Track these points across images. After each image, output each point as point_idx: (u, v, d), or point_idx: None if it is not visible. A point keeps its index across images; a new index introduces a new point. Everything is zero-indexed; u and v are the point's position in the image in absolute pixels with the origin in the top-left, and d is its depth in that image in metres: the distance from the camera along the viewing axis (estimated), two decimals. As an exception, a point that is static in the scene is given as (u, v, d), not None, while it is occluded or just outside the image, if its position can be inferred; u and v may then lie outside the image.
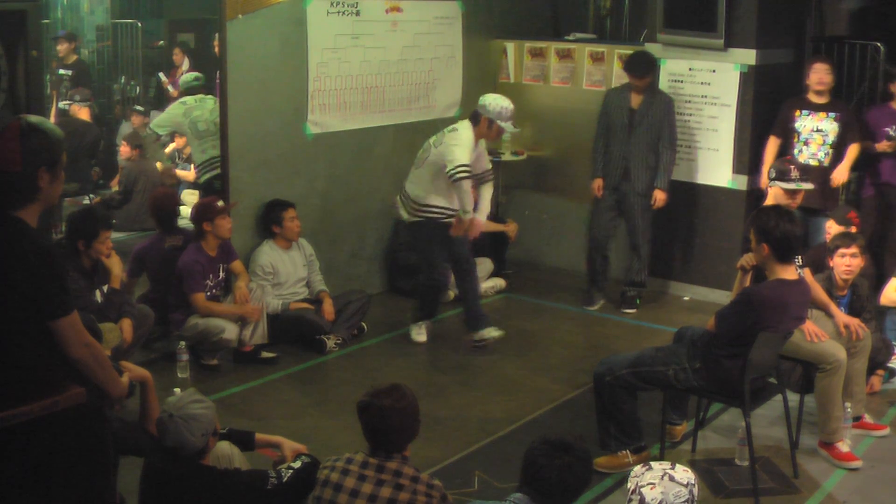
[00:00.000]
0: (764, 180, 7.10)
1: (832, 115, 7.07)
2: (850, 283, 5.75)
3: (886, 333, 6.28)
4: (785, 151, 7.11)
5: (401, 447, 3.58)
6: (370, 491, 3.46)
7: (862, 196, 7.46)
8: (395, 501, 3.44)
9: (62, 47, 9.94)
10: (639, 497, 3.05)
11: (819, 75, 7.04)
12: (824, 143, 7.09)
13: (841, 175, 7.06)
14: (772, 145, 7.21)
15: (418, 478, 3.52)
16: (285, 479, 3.68)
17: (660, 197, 7.37)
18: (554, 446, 3.31)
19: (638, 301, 7.66)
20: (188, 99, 8.06)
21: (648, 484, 3.07)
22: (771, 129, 7.26)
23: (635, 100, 7.34)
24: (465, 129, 6.46)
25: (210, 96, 7.97)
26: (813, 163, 7.02)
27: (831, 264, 5.74)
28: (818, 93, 7.08)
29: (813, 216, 6.91)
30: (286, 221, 6.74)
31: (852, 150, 7.08)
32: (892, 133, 7.12)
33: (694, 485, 3.10)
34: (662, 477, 3.08)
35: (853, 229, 6.08)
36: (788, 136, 7.17)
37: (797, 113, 7.13)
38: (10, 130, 3.17)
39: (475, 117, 6.50)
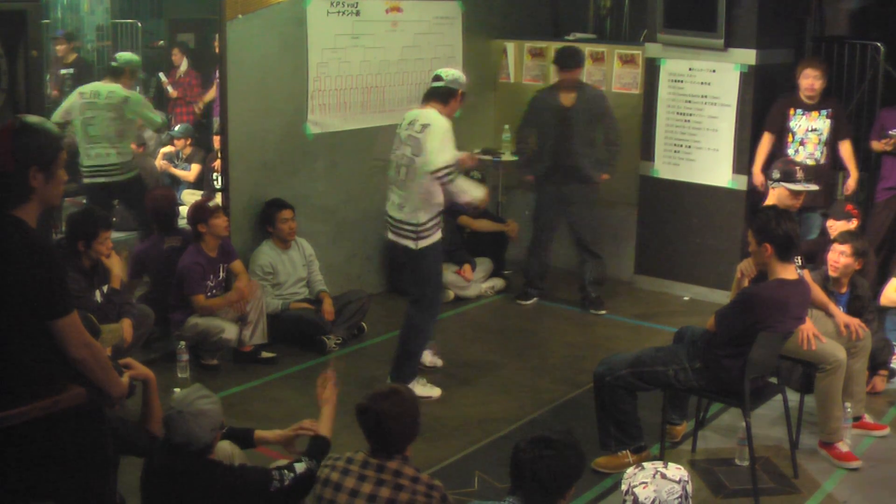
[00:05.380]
0: (758, 178, 7.10)
1: (824, 112, 7.07)
2: (842, 281, 5.72)
3: (887, 334, 6.27)
4: (778, 149, 7.11)
5: (401, 448, 3.58)
6: (370, 491, 3.46)
7: (875, 200, 7.44)
8: (395, 501, 3.44)
9: (60, 48, 9.95)
10: (632, 498, 3.05)
11: (810, 81, 7.01)
12: (819, 141, 7.09)
13: (853, 182, 7.07)
14: (766, 142, 7.19)
15: (418, 478, 3.52)
16: (286, 482, 3.69)
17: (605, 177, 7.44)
18: (533, 443, 3.31)
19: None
20: (86, 90, 7.60)
21: (641, 483, 3.07)
22: (765, 126, 7.24)
23: (566, 97, 7.31)
24: (438, 120, 5.54)
25: (112, 88, 7.52)
26: (810, 162, 7.01)
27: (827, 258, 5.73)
28: (809, 97, 7.08)
29: (805, 213, 6.88)
30: (278, 223, 6.72)
31: (847, 151, 7.08)
32: (893, 133, 7.13)
33: (687, 481, 3.11)
34: (654, 475, 3.08)
35: (854, 221, 6.08)
36: (782, 135, 7.16)
37: (791, 112, 7.12)
38: (3, 131, 3.18)
39: (449, 94, 5.69)
